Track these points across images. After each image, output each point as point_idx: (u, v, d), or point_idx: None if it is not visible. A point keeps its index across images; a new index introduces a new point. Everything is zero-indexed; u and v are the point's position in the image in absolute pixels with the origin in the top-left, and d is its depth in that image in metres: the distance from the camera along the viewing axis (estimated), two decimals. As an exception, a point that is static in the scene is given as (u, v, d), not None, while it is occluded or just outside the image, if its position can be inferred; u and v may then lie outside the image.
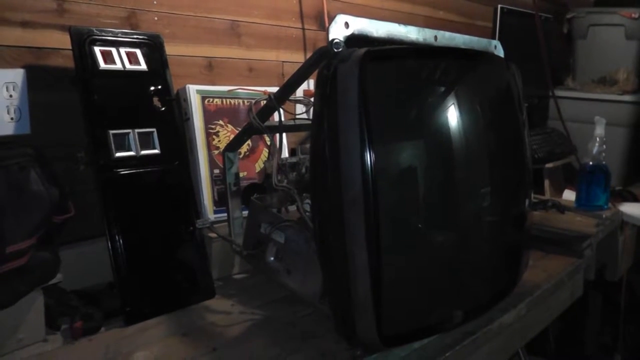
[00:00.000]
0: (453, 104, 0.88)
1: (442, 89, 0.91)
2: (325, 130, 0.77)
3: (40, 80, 1.15)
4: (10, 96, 1.07)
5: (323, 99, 0.77)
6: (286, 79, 1.00)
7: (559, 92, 2.29)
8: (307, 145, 1.25)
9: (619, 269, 1.83)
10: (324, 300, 0.95)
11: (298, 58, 1.66)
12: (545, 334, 2.00)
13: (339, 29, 0.80)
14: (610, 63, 2.42)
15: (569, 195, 1.94)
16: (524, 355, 1.75)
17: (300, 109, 1.28)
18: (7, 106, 1.06)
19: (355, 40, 0.82)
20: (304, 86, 1.47)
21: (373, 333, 0.78)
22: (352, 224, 0.75)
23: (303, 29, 1.69)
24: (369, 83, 0.74)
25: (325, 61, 0.78)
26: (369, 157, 0.73)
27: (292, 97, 1.10)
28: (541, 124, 2.38)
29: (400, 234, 0.83)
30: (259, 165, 1.43)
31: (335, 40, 0.78)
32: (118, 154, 1.09)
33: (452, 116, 0.87)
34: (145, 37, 1.20)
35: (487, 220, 0.98)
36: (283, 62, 1.64)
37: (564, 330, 2.09)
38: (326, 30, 0.79)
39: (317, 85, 0.79)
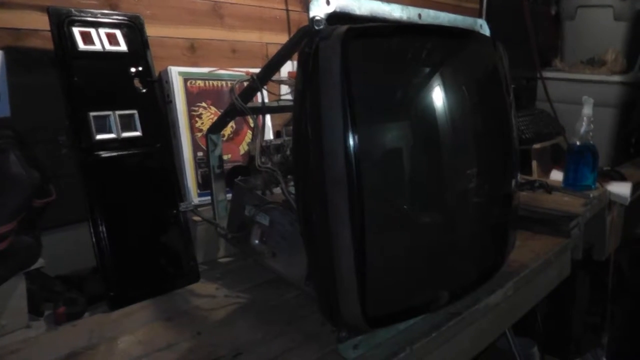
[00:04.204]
0: (437, 82, 0.87)
1: (426, 67, 0.90)
2: (307, 108, 0.75)
3: (20, 62, 1.13)
4: (-11, 78, 1.05)
5: (305, 77, 0.76)
6: (271, 60, 0.99)
7: (548, 74, 2.28)
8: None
9: (606, 249, 1.84)
10: (309, 283, 0.94)
11: (282, 39, 1.63)
12: (532, 315, 2.00)
13: (320, 7, 0.78)
14: (599, 44, 2.41)
15: (557, 175, 1.94)
16: (511, 335, 1.76)
17: (284, 90, 1.27)
18: (-14, 89, 1.04)
19: (337, 18, 0.80)
20: (288, 68, 1.46)
21: (357, 314, 0.77)
22: (336, 204, 0.74)
23: (287, 10, 1.67)
24: (351, 60, 0.73)
25: (307, 39, 0.77)
26: (351, 136, 0.72)
27: (276, 78, 1.09)
28: (529, 105, 2.38)
29: (385, 214, 0.82)
30: (243, 148, 1.42)
31: (317, 18, 0.77)
32: (99, 137, 1.08)
33: (436, 94, 0.86)
34: (125, 18, 1.18)
35: (473, 201, 0.97)
36: (267, 43, 1.62)
37: (551, 310, 2.10)
38: (306, 8, 0.78)
39: (298, 63, 0.77)
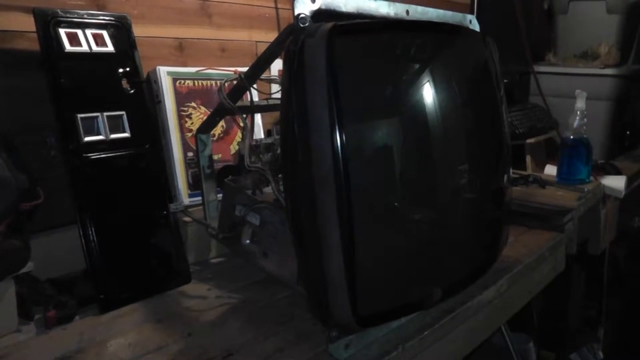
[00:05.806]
0: (426, 78, 0.87)
1: (415, 63, 0.89)
2: (293, 107, 0.75)
3: (7, 64, 1.12)
4: (-25, 81, 1.04)
5: (290, 75, 0.75)
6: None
7: (541, 68, 2.28)
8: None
9: (601, 243, 1.84)
10: (301, 282, 0.94)
11: (272, 38, 1.59)
12: (528, 310, 2.00)
13: (305, 4, 0.78)
14: (592, 38, 2.41)
15: (551, 170, 1.93)
16: (506, 331, 1.75)
17: (275, 88, 1.26)
18: (-28, 92, 1.04)
19: (323, 15, 0.80)
20: (279, 66, 1.45)
21: (348, 313, 0.76)
22: (324, 202, 0.73)
23: (276, 8, 1.66)
24: (337, 57, 0.72)
25: (292, 37, 0.76)
26: (338, 133, 0.71)
27: (266, 76, 1.08)
28: (523, 100, 2.38)
29: (374, 212, 0.81)
30: (233, 147, 1.42)
31: (301, 15, 0.76)
32: (87, 139, 1.07)
33: (425, 91, 0.86)
34: (112, 18, 1.17)
35: (465, 197, 0.96)
36: (257, 42, 1.61)
37: (547, 305, 2.10)
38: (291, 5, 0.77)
39: (284, 61, 0.77)
